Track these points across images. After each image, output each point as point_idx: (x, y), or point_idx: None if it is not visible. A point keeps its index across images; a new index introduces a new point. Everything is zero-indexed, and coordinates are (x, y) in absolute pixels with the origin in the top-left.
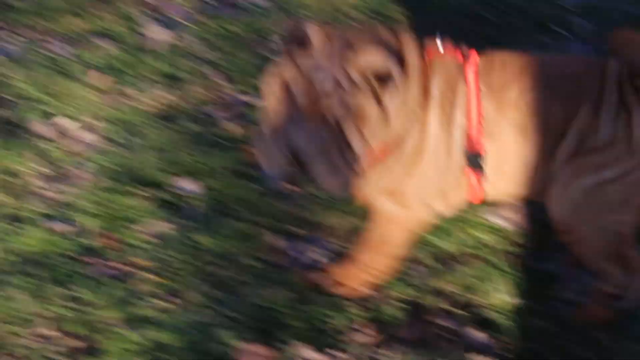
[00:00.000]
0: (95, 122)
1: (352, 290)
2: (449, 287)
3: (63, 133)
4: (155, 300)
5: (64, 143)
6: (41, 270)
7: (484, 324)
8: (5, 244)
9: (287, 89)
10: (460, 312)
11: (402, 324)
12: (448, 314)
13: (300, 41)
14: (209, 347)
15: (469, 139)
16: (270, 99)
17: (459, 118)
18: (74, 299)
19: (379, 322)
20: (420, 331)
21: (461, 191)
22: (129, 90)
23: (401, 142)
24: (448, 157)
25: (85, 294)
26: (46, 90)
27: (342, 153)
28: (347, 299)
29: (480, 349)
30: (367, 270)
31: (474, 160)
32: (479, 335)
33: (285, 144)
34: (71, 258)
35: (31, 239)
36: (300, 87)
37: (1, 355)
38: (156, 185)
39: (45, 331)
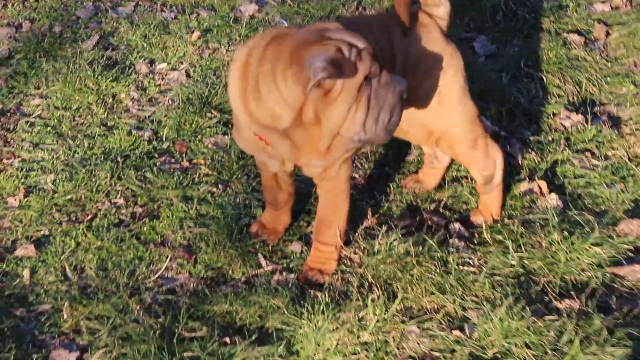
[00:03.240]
0: (181, 65)
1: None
2: (444, 197)
3: (156, 71)
4: (206, 186)
5: (156, 78)
6: (125, 161)
7: (469, 224)
8: (99, 142)
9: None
10: (447, 213)
11: (400, 215)
12: (439, 213)
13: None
14: (240, 219)
15: None
16: None
17: None
18: (144, 180)
19: (380, 214)
20: (412, 220)
21: None
22: (213, 45)
23: None
24: None
25: (153, 178)
26: (149, 41)
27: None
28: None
29: (458, 235)
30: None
31: None
32: (460, 228)
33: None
34: (148, 155)
35: (119, 141)
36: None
37: (81, 212)
38: (223, 111)
39: (116, 200)
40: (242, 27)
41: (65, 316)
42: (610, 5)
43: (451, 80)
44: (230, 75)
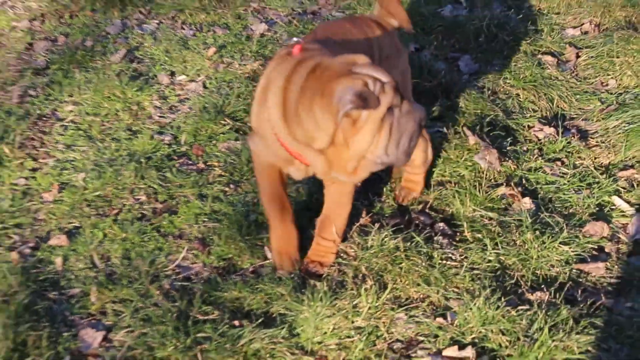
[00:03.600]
0: (199, 77)
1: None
2: (430, 199)
3: (176, 82)
4: (219, 186)
5: (176, 88)
6: (148, 162)
7: (452, 223)
8: (125, 145)
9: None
10: (433, 213)
11: (391, 214)
12: (425, 213)
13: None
14: (249, 216)
15: None
16: None
17: None
18: (164, 179)
19: (373, 214)
20: (402, 219)
21: None
22: (227, 59)
23: None
24: None
25: (172, 178)
26: (170, 56)
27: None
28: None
29: (442, 233)
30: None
31: None
32: (444, 227)
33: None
34: (168, 157)
35: (142, 144)
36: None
37: (108, 207)
38: (235, 119)
39: (139, 196)
40: (253, 44)
41: (92, 299)
42: (581, 31)
43: (407, 76)
44: (270, 99)
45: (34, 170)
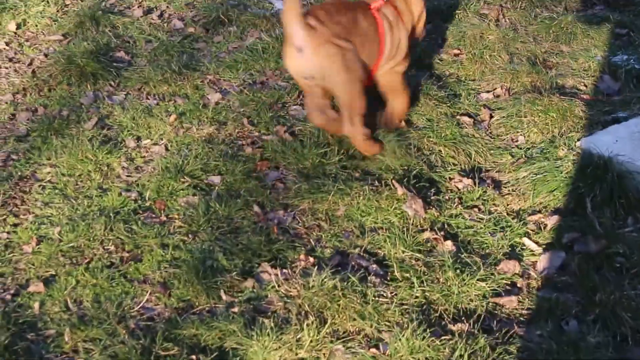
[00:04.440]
0: (161, 141)
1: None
2: (364, 243)
3: (142, 146)
4: (179, 236)
5: (141, 151)
6: (116, 216)
7: (383, 264)
8: (96, 201)
9: None
10: (367, 256)
11: (330, 257)
12: (360, 256)
13: None
14: (205, 262)
15: None
16: None
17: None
18: (130, 231)
19: (314, 257)
20: (340, 262)
21: None
22: (186, 125)
23: None
24: None
25: (138, 230)
26: (136, 122)
27: None
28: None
29: (375, 274)
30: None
31: None
32: (376, 267)
33: None
34: (134, 211)
35: (111, 200)
36: None
37: (81, 257)
38: (193, 177)
39: (108, 247)
40: (209, 111)
41: (66, 339)
42: (493, 94)
43: None
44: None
45: (15, 225)
